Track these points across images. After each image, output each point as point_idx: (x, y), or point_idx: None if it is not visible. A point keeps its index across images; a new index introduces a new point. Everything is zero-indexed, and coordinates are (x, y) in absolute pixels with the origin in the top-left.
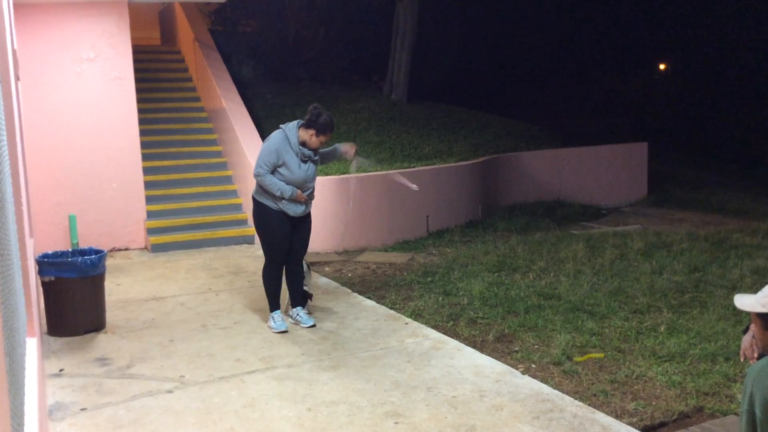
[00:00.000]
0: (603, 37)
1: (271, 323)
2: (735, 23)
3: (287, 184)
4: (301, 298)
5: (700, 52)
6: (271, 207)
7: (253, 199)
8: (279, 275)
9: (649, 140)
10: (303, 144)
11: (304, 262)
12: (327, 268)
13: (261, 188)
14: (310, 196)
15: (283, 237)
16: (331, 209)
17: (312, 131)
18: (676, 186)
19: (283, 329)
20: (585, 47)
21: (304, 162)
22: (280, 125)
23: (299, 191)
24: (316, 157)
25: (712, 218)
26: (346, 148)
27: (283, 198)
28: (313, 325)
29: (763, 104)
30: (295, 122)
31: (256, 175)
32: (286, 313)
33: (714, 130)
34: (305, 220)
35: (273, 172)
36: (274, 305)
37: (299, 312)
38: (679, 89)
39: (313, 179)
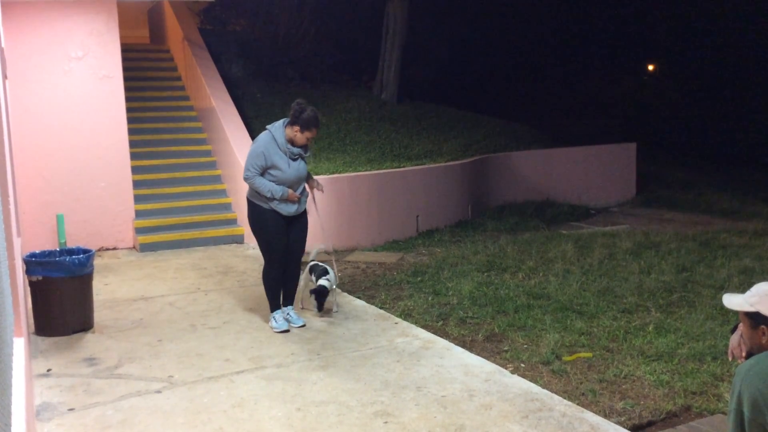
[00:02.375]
0: (593, 38)
1: (273, 323)
2: (723, 26)
3: (279, 184)
4: (294, 297)
5: (689, 54)
6: (264, 207)
7: (248, 200)
8: (279, 276)
9: (638, 141)
10: (291, 142)
11: (327, 266)
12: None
13: (254, 189)
14: (303, 194)
15: (279, 237)
16: (321, 209)
17: (296, 127)
18: (665, 186)
19: (284, 329)
20: (575, 48)
21: (294, 160)
22: (267, 126)
23: (290, 191)
24: (307, 154)
25: (700, 218)
26: (312, 183)
27: (275, 198)
28: (303, 325)
29: (751, 105)
30: (281, 121)
31: (245, 179)
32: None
33: (702, 131)
34: (300, 218)
35: (263, 173)
36: (274, 306)
37: (290, 311)
38: (668, 90)
39: (305, 177)
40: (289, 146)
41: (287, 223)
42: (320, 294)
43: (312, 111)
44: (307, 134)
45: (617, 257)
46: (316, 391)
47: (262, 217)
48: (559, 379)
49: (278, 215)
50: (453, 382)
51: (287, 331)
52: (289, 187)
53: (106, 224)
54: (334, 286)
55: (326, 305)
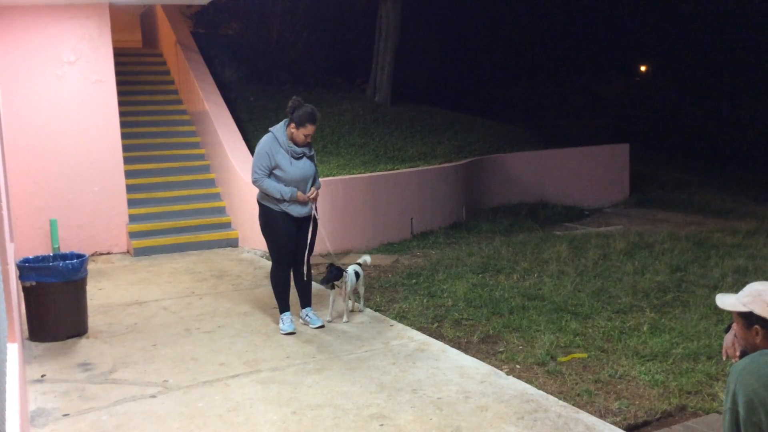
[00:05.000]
0: (585, 39)
1: (280, 324)
2: (714, 26)
3: (286, 184)
4: (310, 298)
5: (680, 54)
6: (274, 209)
7: (258, 203)
8: (287, 277)
9: (631, 141)
10: (292, 141)
11: (359, 266)
12: (312, 271)
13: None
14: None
15: (288, 238)
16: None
17: (293, 125)
18: (658, 187)
19: (290, 331)
20: (568, 49)
21: (298, 159)
22: (270, 128)
23: (299, 192)
24: (311, 153)
25: (694, 218)
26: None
27: (284, 200)
28: (322, 326)
29: (744, 105)
30: (283, 121)
31: (254, 181)
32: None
33: (695, 132)
34: (310, 220)
35: (269, 174)
36: (284, 307)
37: (308, 313)
38: (661, 91)
39: (311, 177)
40: (291, 145)
41: (297, 225)
42: (333, 270)
43: (307, 107)
44: (303, 131)
45: (611, 258)
46: (311, 394)
47: (272, 219)
48: (554, 380)
49: (289, 217)
50: (448, 384)
51: (293, 333)
52: (295, 186)
53: (100, 229)
54: (349, 286)
55: (337, 312)
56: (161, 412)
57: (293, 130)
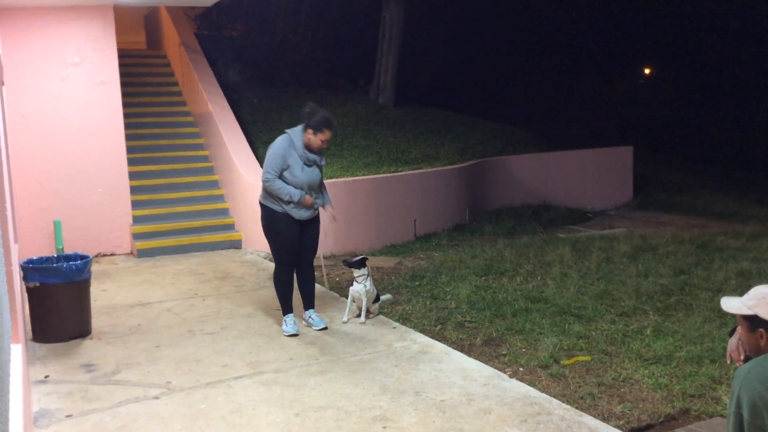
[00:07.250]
0: (589, 41)
1: (283, 326)
2: (719, 29)
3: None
4: (313, 300)
5: (685, 56)
6: (277, 210)
7: (260, 204)
8: (290, 279)
9: (635, 144)
10: (308, 148)
11: (368, 272)
12: (315, 273)
13: (266, 192)
14: (317, 199)
15: (291, 239)
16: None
17: (310, 131)
18: (662, 189)
19: (293, 332)
20: (571, 51)
21: (309, 166)
22: (286, 130)
23: (307, 196)
24: (323, 162)
25: (697, 221)
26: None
27: (292, 202)
28: (325, 328)
29: (747, 107)
30: (300, 126)
31: (265, 181)
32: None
33: (698, 134)
34: (313, 222)
35: (279, 176)
36: (286, 309)
37: (311, 314)
38: (665, 93)
39: (317, 186)
40: (306, 152)
41: (300, 227)
42: (359, 259)
43: (324, 112)
44: (320, 136)
45: (615, 260)
46: (314, 396)
47: (275, 221)
48: (557, 382)
49: (291, 219)
50: (451, 386)
51: (296, 335)
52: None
53: (104, 230)
54: (369, 283)
55: (355, 312)
56: (164, 414)
57: (311, 137)
